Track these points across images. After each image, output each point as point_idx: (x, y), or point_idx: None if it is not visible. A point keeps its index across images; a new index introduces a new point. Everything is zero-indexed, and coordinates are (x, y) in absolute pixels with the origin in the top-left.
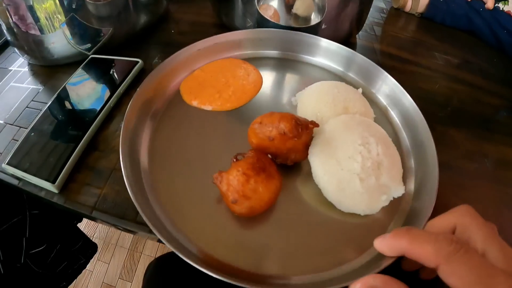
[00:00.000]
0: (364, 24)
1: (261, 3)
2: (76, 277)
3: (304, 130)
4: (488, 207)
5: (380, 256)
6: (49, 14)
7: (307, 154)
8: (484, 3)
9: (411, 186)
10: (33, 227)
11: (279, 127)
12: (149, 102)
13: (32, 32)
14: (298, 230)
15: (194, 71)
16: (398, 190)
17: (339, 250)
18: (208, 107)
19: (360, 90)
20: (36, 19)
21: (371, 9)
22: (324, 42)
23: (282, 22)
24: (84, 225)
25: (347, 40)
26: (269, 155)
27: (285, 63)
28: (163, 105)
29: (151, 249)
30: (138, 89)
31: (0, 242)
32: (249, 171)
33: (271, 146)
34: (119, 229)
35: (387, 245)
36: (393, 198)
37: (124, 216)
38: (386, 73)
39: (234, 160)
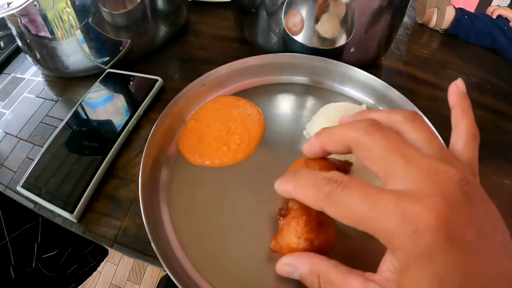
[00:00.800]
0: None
1: (288, 16)
2: (85, 279)
3: (344, 174)
4: None
5: None
6: (63, 24)
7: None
8: (509, 21)
9: None
10: (45, 232)
11: None
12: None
13: (46, 42)
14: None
15: (187, 122)
16: None
17: None
18: (218, 163)
19: (364, 106)
20: (50, 31)
21: None
22: (356, 72)
23: (306, 39)
24: None
25: (374, 62)
26: None
27: (300, 89)
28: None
29: None
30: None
31: (12, 248)
32: (310, 235)
33: None
34: (142, 260)
35: (279, 190)
36: None
37: (147, 251)
38: (418, 111)
39: (281, 218)
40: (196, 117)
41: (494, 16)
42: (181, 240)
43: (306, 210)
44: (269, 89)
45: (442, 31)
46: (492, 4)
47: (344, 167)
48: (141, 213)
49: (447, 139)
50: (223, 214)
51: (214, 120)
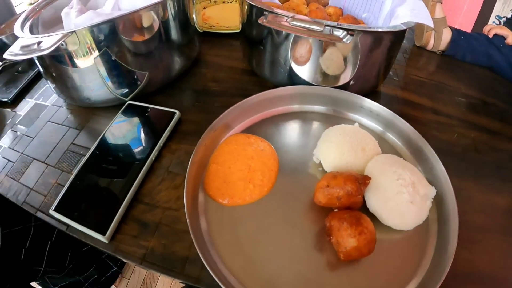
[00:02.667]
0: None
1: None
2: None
3: (364, 186)
4: (496, 259)
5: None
6: (87, 59)
7: (364, 202)
8: (505, 39)
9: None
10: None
11: (345, 188)
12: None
13: (70, 76)
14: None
15: (209, 167)
16: (432, 192)
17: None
18: (248, 200)
19: (356, 124)
20: (74, 65)
21: None
22: (367, 102)
23: (311, 75)
24: None
25: (373, 90)
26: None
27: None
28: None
29: None
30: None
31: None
32: (359, 228)
33: (338, 203)
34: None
35: None
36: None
37: (173, 268)
38: (419, 134)
39: (331, 237)
40: (216, 160)
41: (490, 35)
42: (233, 272)
43: (341, 219)
44: (273, 121)
45: (439, 53)
46: (492, 15)
47: (364, 180)
48: (166, 235)
49: (443, 162)
50: (266, 243)
51: (233, 161)
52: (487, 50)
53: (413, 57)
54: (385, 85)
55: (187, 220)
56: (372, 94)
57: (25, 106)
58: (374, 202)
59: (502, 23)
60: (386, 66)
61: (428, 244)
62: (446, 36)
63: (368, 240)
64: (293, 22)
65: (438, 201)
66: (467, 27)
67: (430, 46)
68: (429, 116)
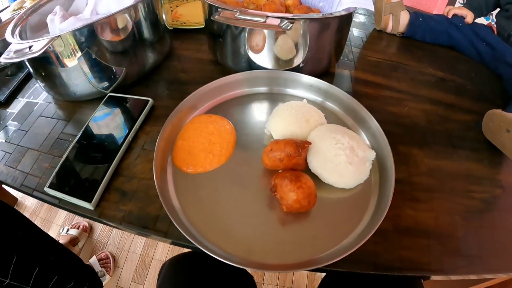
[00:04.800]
0: (346, 51)
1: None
2: None
3: (303, 149)
4: (442, 216)
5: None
6: (72, 58)
7: (307, 164)
8: (464, 18)
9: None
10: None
11: (285, 150)
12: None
13: (58, 74)
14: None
15: (176, 143)
16: (372, 154)
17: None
18: (209, 169)
19: (305, 100)
20: (61, 64)
21: (354, 33)
22: (306, 78)
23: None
24: (98, 234)
25: (327, 71)
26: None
27: (260, 98)
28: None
29: (161, 254)
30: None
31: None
32: (297, 183)
33: (281, 164)
34: (141, 235)
35: None
36: (372, 161)
37: (146, 226)
38: (358, 102)
39: (275, 193)
40: (182, 137)
41: (449, 15)
42: (195, 225)
43: (284, 177)
44: (233, 103)
45: (399, 35)
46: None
47: (303, 144)
48: (141, 199)
49: (389, 131)
50: (223, 203)
51: (196, 136)
52: (447, 30)
53: (372, 40)
54: (340, 67)
55: (155, 183)
56: (325, 75)
57: (17, 105)
58: (315, 164)
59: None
60: (336, 48)
61: (370, 201)
62: (404, 18)
63: (307, 193)
64: (240, 16)
65: (381, 165)
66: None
67: (389, 29)
68: (382, 92)
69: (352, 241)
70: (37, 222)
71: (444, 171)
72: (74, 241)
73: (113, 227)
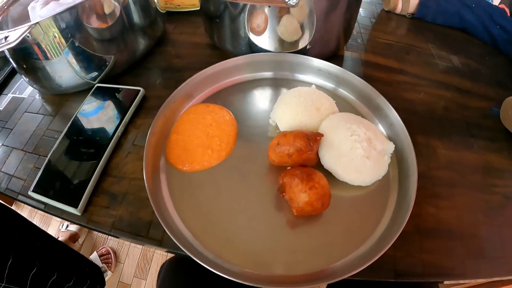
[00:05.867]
0: (354, 33)
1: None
2: None
3: (315, 143)
4: (464, 214)
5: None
6: (54, 47)
7: (318, 159)
8: None
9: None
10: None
11: (295, 145)
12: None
13: (40, 65)
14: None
15: (170, 137)
16: (391, 147)
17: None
18: (207, 166)
19: (313, 86)
20: (44, 55)
21: (361, 14)
22: (315, 61)
23: (269, 43)
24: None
25: (336, 54)
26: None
27: (266, 84)
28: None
29: None
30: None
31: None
32: (310, 183)
33: (290, 160)
34: (134, 243)
35: None
36: (390, 154)
37: (138, 233)
38: (374, 89)
39: (284, 194)
40: (176, 130)
41: None
42: (193, 232)
43: (293, 175)
44: (233, 90)
45: (409, 16)
46: None
47: (315, 137)
48: (132, 203)
49: (406, 120)
50: (224, 205)
51: (192, 129)
52: (458, 11)
53: (381, 21)
54: (349, 49)
55: (146, 185)
56: (334, 57)
57: (2, 101)
58: (328, 159)
59: None
60: (346, 28)
61: (389, 200)
62: None
63: (320, 194)
64: None
65: (399, 158)
66: None
67: (398, 10)
68: (395, 77)
69: (371, 246)
70: (36, 219)
71: (464, 163)
72: (74, 237)
73: (104, 233)
